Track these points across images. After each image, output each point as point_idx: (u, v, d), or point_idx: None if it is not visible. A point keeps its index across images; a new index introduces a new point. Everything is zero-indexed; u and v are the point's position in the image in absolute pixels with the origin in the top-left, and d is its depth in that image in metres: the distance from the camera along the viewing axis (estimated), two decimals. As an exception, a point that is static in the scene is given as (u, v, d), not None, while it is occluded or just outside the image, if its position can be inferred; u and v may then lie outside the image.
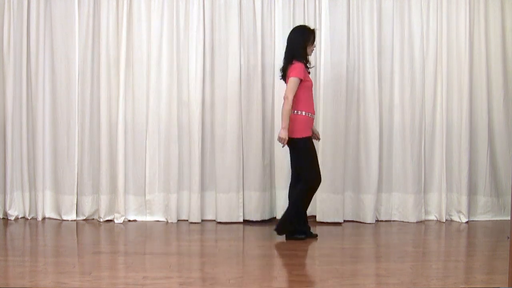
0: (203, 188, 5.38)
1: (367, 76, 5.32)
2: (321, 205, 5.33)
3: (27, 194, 5.39)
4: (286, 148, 5.25)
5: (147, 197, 5.40)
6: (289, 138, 4.52)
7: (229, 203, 5.33)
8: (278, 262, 4.21)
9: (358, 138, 5.37)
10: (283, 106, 4.50)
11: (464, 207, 5.38)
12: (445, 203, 5.39)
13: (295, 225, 4.69)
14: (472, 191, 5.43)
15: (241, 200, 5.35)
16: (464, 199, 5.37)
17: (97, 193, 5.37)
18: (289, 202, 4.73)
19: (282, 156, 5.29)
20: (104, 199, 5.33)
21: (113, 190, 5.35)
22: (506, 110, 5.44)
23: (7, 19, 5.28)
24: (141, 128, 5.38)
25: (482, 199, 5.46)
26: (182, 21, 5.32)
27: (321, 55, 5.31)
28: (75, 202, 5.38)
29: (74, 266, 3.92)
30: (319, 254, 4.44)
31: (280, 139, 4.50)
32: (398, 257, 4.29)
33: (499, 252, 4.33)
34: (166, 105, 5.33)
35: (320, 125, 5.31)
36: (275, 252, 4.45)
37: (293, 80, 4.45)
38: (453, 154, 5.38)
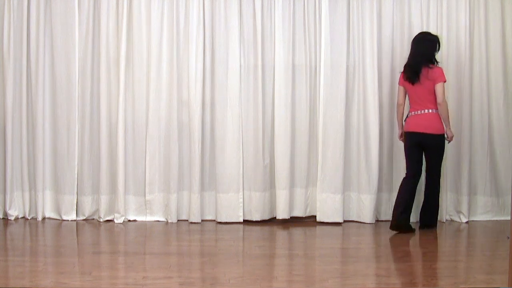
0: (203, 188, 5.37)
1: (367, 76, 5.32)
2: (321, 205, 5.33)
3: (27, 194, 5.38)
4: (286, 148, 5.28)
5: (147, 197, 5.40)
6: (432, 134, 4.85)
7: (229, 203, 5.32)
8: (278, 262, 4.21)
9: (358, 138, 5.37)
10: (442, 111, 4.83)
11: (464, 207, 5.38)
12: (445, 203, 5.38)
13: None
14: (472, 191, 5.42)
15: (241, 200, 5.35)
16: (464, 199, 5.37)
17: (97, 193, 5.37)
18: (429, 197, 5.02)
19: (282, 156, 5.29)
20: (104, 199, 5.33)
21: (113, 190, 5.35)
22: (506, 110, 5.44)
23: (7, 19, 5.27)
24: (141, 128, 5.38)
25: (482, 199, 5.46)
26: (182, 21, 5.32)
27: (321, 55, 5.30)
28: (75, 202, 5.37)
29: (74, 266, 3.92)
30: (319, 254, 4.45)
31: (451, 138, 4.94)
32: (398, 257, 4.30)
33: (499, 252, 4.33)
34: (166, 105, 5.33)
35: (320, 125, 5.31)
36: (275, 252, 4.45)
37: (443, 85, 4.83)
38: (453, 154, 5.38)
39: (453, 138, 5.02)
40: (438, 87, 4.81)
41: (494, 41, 5.42)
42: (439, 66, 4.91)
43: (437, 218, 5.09)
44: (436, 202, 5.04)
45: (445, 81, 4.84)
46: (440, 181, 5.07)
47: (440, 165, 5.01)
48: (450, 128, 4.91)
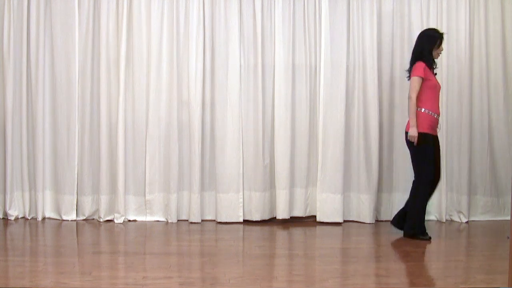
0: (203, 188, 5.38)
1: (367, 76, 5.32)
2: (321, 205, 5.34)
3: (27, 194, 5.38)
4: (286, 148, 5.28)
5: (147, 197, 5.40)
6: (405, 132, 4.70)
7: (229, 203, 5.33)
8: (278, 262, 4.21)
9: (358, 138, 5.37)
10: (408, 105, 4.66)
11: (464, 207, 5.38)
12: (445, 203, 5.39)
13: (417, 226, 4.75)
14: (472, 191, 5.43)
15: (241, 200, 5.35)
16: (464, 199, 5.38)
17: (97, 193, 5.37)
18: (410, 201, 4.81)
19: (282, 156, 5.29)
20: (104, 199, 5.33)
21: (113, 190, 5.35)
22: (506, 110, 5.44)
23: (7, 19, 5.28)
24: (141, 128, 5.38)
25: (482, 199, 5.46)
26: (182, 21, 5.32)
27: (321, 55, 5.31)
28: (75, 202, 5.38)
29: (74, 266, 3.92)
30: (319, 254, 4.45)
31: (410, 137, 4.61)
32: (398, 257, 4.30)
33: (499, 252, 4.34)
34: (166, 105, 5.33)
35: (320, 125, 5.32)
36: (275, 252, 4.45)
37: (414, 79, 4.64)
38: (453, 154, 5.38)
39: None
40: (411, 81, 4.66)
41: (494, 41, 5.42)
42: (422, 61, 4.66)
43: (409, 227, 4.73)
44: (411, 209, 4.73)
45: (419, 75, 4.59)
46: (421, 191, 4.67)
47: (419, 167, 4.65)
48: (413, 126, 4.57)
